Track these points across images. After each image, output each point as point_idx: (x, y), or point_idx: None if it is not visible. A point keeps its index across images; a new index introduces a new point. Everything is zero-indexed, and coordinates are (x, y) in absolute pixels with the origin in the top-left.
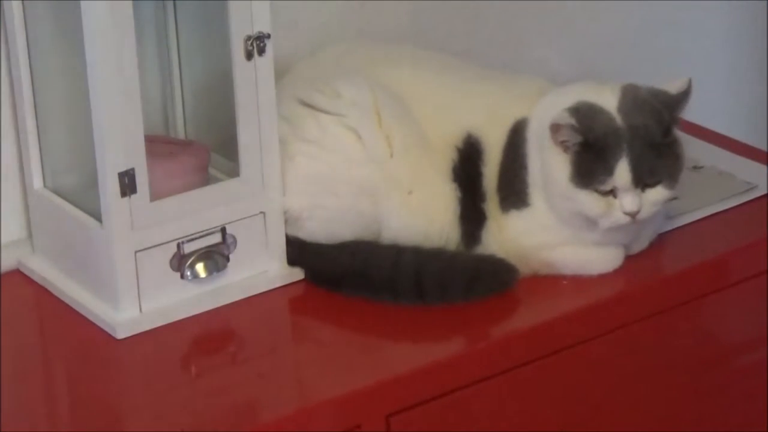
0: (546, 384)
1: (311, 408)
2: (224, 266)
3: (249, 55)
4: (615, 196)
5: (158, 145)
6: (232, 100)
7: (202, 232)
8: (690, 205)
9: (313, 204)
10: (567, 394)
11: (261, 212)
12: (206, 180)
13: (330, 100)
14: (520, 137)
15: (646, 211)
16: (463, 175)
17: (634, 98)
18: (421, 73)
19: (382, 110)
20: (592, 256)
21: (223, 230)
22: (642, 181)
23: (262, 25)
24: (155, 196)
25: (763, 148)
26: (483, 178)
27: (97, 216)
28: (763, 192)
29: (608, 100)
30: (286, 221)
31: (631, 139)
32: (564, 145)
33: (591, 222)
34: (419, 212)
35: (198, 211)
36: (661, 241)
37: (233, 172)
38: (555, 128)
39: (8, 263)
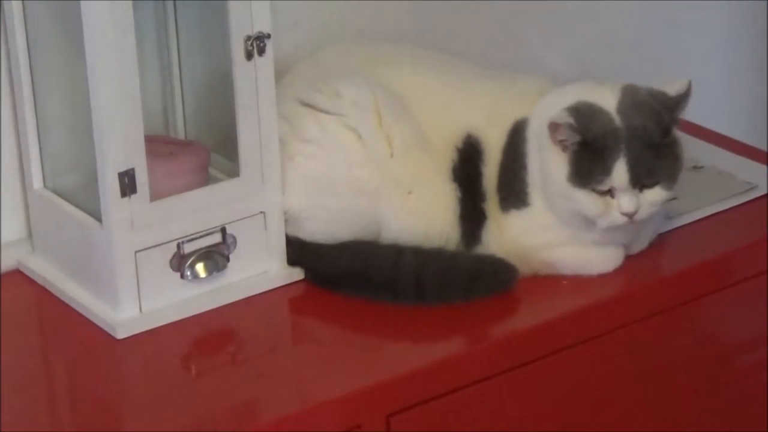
0: (546, 384)
1: (311, 408)
2: (224, 266)
3: (249, 55)
4: (613, 196)
5: (158, 145)
6: (232, 100)
7: (202, 232)
8: (690, 205)
9: (313, 204)
10: (567, 394)
11: (261, 212)
12: (206, 180)
13: (330, 99)
14: (520, 137)
15: (643, 212)
16: (463, 175)
17: (633, 99)
18: (421, 72)
19: (382, 110)
20: (591, 256)
21: (223, 230)
22: (640, 181)
23: (262, 25)
24: (155, 196)
25: (763, 148)
26: (483, 178)
27: (97, 216)
28: (763, 192)
29: (608, 100)
30: (286, 221)
31: (629, 139)
32: (562, 144)
33: (590, 222)
34: (419, 212)
35: (198, 211)
36: (660, 241)
37: (233, 172)
38: (553, 127)
39: (8, 263)
